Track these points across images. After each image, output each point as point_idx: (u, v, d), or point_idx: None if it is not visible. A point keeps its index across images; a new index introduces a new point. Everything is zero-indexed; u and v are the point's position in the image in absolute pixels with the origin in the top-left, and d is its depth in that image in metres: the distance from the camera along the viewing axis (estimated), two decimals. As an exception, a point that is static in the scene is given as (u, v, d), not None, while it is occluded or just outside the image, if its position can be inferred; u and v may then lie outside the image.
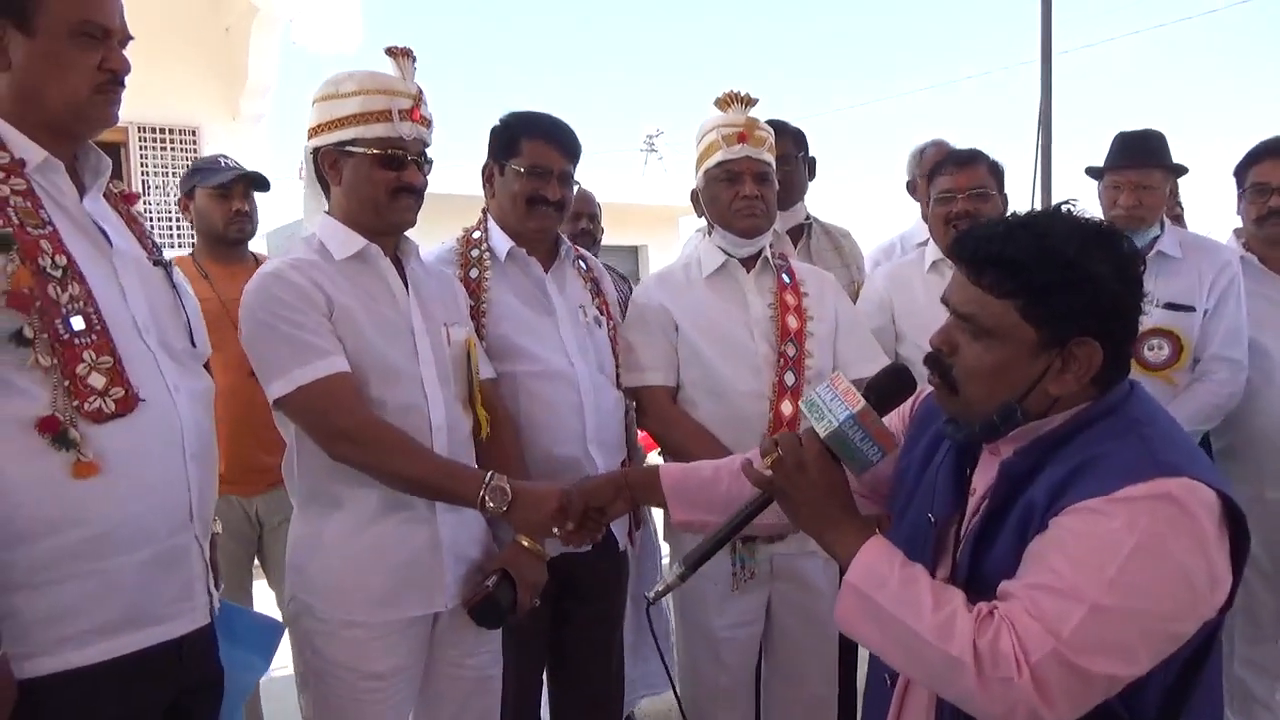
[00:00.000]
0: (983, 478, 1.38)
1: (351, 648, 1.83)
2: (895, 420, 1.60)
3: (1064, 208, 1.34)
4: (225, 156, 2.96)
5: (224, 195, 2.85)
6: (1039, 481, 1.26)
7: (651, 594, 1.47)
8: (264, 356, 1.82)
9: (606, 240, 3.69)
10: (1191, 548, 1.16)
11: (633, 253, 12.28)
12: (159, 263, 1.64)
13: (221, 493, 2.74)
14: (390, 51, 1.88)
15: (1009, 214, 1.39)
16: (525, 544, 1.92)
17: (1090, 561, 1.15)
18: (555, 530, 1.82)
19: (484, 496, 1.79)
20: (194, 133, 6.39)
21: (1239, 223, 3.02)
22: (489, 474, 1.82)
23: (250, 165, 3.04)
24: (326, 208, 1.96)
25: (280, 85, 6.67)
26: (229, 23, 6.43)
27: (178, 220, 5.93)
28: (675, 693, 1.72)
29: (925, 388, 1.49)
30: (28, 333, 1.36)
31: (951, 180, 2.60)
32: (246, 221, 2.90)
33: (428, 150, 1.93)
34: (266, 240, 6.33)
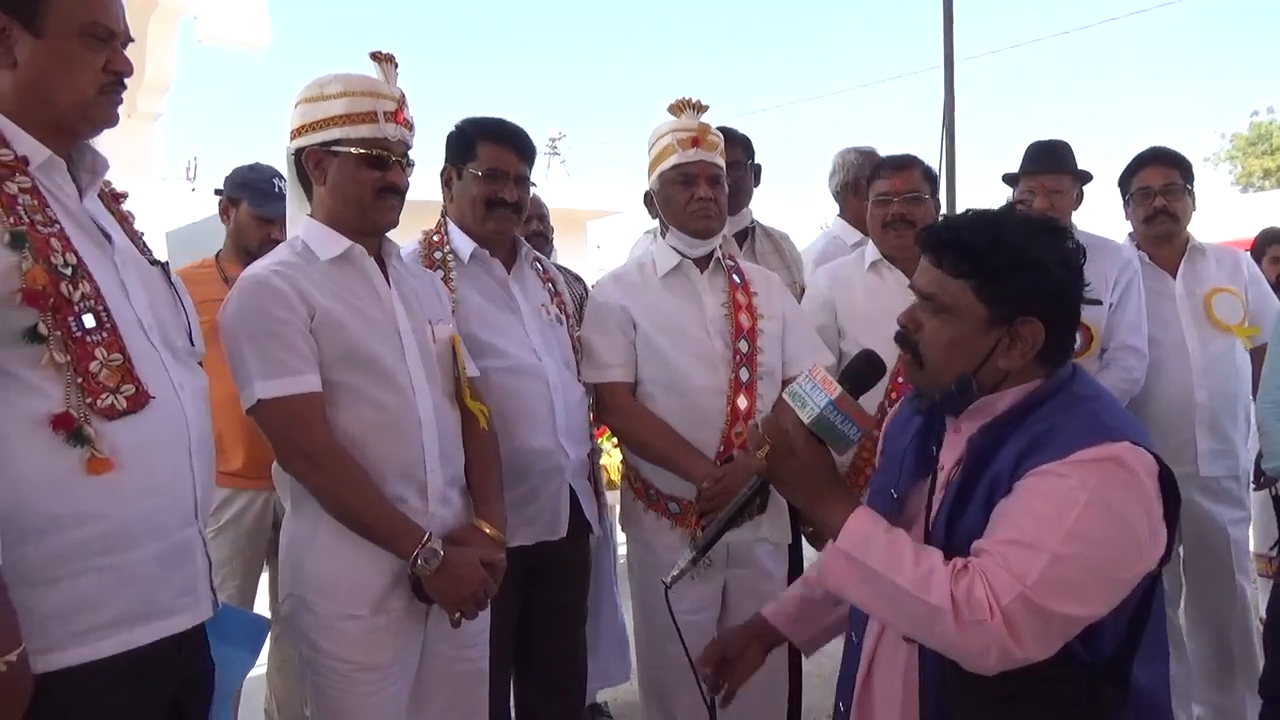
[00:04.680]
0: (949, 454, 1.54)
1: (348, 640, 1.86)
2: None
3: (1018, 207, 1.53)
4: (279, 176, 2.88)
5: (268, 221, 2.83)
6: (1002, 455, 1.43)
7: (668, 578, 1.59)
8: (235, 365, 1.85)
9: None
10: (1135, 503, 1.34)
11: (539, 256, 12.30)
12: (155, 262, 1.65)
13: (240, 487, 2.73)
14: (375, 56, 1.93)
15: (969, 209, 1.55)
16: (486, 530, 1.98)
17: (1050, 516, 1.32)
18: (464, 611, 1.90)
19: (417, 556, 1.83)
20: (88, 129, 6.10)
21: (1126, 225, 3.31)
22: (428, 534, 1.85)
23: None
24: (309, 210, 1.99)
25: (179, 83, 6.47)
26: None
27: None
28: None
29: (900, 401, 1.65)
30: (42, 329, 1.37)
31: (888, 184, 2.75)
32: (276, 245, 2.90)
33: (409, 152, 1.98)
34: (166, 239, 6.12)
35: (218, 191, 2.97)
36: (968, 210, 1.54)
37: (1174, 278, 3.14)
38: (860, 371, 1.59)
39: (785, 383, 2.27)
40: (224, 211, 2.95)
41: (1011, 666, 1.32)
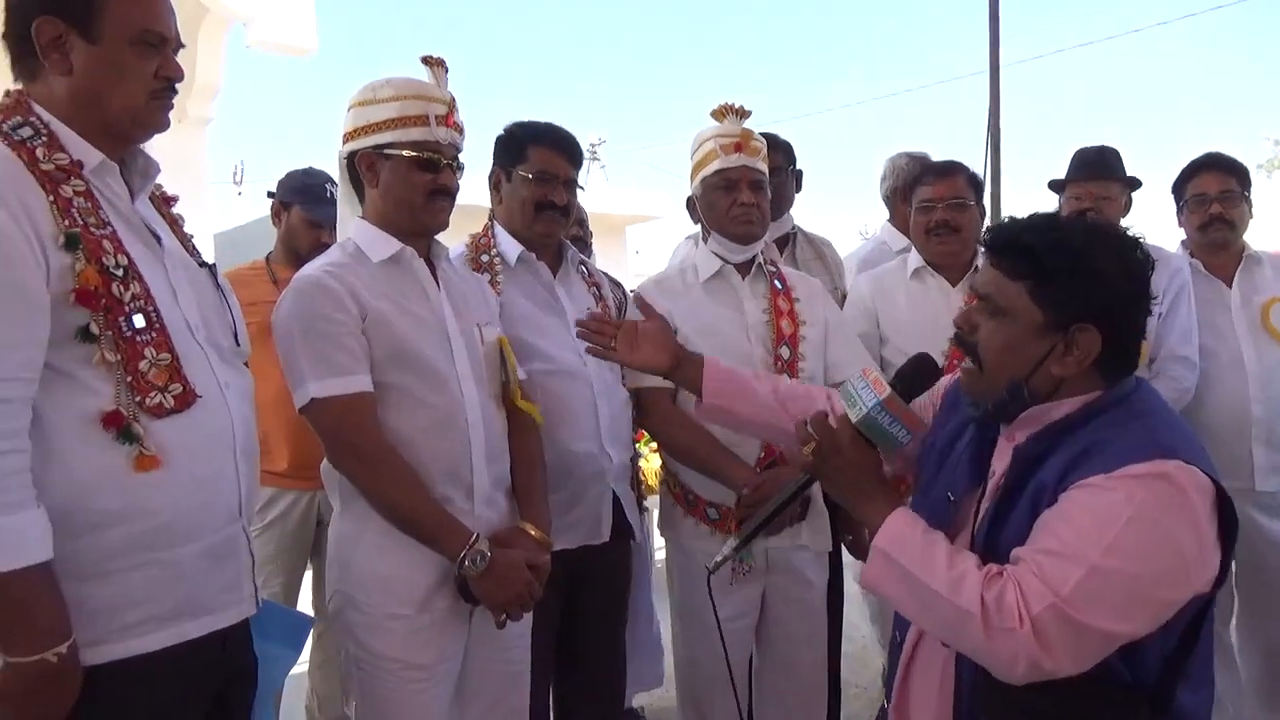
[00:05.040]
0: (1000, 462, 1.51)
1: (395, 639, 1.87)
2: (925, 400, 1.75)
3: (1088, 215, 1.50)
4: (331, 182, 2.91)
5: (318, 225, 2.87)
6: (1049, 464, 1.40)
7: (711, 564, 1.63)
8: (288, 365, 1.87)
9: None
10: (1183, 522, 1.29)
11: (579, 262, 12.40)
12: (203, 264, 1.68)
13: (285, 487, 2.80)
14: (426, 60, 1.95)
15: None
16: (532, 532, 1.98)
17: (1091, 529, 1.29)
18: (509, 612, 1.90)
19: (464, 557, 1.83)
20: (138, 135, 6.22)
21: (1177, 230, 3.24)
22: (475, 535, 1.86)
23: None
24: (360, 213, 2.01)
25: (228, 88, 6.57)
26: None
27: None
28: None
29: (954, 375, 1.64)
30: (94, 329, 1.39)
31: (931, 190, 2.73)
32: (325, 249, 2.94)
33: (460, 156, 2.00)
34: (214, 242, 6.24)
35: (270, 194, 3.02)
36: (1034, 213, 1.51)
37: (1229, 287, 3.07)
38: (912, 374, 1.59)
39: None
40: (276, 214, 2.99)
41: (1041, 678, 1.30)
